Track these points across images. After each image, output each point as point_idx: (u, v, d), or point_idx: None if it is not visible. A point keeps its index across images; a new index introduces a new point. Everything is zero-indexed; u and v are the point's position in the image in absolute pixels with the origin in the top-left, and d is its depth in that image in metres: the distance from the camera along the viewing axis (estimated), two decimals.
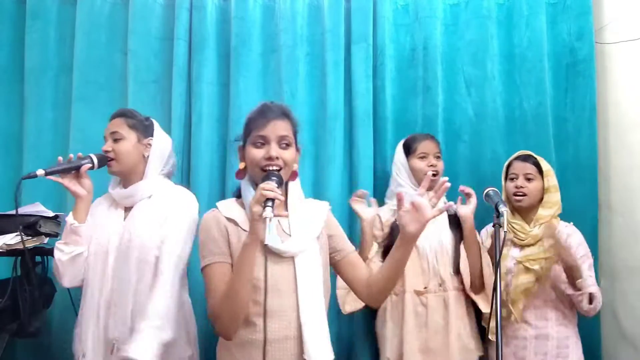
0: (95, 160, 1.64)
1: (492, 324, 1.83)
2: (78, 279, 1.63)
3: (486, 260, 1.94)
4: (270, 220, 1.21)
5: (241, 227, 1.40)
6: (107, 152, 1.66)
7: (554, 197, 1.96)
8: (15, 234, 1.77)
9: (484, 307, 1.89)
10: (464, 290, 1.93)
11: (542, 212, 1.95)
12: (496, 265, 1.52)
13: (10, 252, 1.73)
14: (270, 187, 1.25)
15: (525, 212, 1.99)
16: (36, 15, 2.29)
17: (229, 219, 1.41)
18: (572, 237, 1.93)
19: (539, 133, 2.26)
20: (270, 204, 1.23)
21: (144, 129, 1.74)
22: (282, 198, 1.29)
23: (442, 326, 1.88)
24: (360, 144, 2.24)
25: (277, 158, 1.37)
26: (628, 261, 2.11)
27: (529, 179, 1.95)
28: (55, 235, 1.88)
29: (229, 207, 1.46)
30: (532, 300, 1.90)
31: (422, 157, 2.00)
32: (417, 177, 2.00)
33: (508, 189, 2.00)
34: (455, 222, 1.97)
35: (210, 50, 2.29)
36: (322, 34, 2.31)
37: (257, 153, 1.39)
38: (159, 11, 2.33)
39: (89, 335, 1.58)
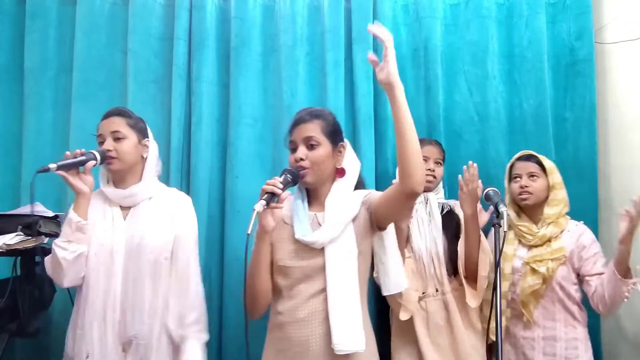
0: (99, 157, 1.63)
1: (493, 324, 1.86)
2: (77, 277, 1.61)
3: (484, 249, 1.90)
4: (255, 212, 1.30)
5: (283, 220, 1.52)
6: (108, 150, 1.65)
7: (560, 194, 1.94)
8: (15, 233, 1.77)
9: (472, 302, 1.89)
10: (460, 289, 1.92)
11: (549, 211, 1.92)
12: (496, 265, 1.52)
13: (10, 252, 1.73)
14: (272, 182, 1.35)
15: (531, 212, 1.97)
16: (36, 15, 2.29)
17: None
18: (583, 236, 1.92)
19: (539, 133, 2.26)
20: (265, 197, 1.34)
21: (142, 130, 1.75)
22: (280, 193, 1.35)
23: (444, 327, 1.88)
24: (361, 145, 2.24)
25: (302, 159, 1.47)
26: None
27: (532, 177, 1.94)
28: (56, 235, 1.87)
29: (286, 202, 1.50)
30: (541, 300, 1.89)
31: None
32: None
33: (512, 189, 1.99)
34: (449, 222, 1.97)
35: (210, 50, 2.29)
36: (322, 34, 2.31)
37: (290, 158, 1.51)
38: (159, 11, 2.32)
39: (94, 335, 1.58)
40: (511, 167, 2.02)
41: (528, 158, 1.98)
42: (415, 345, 1.87)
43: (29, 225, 1.78)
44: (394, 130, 1.39)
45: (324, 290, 1.42)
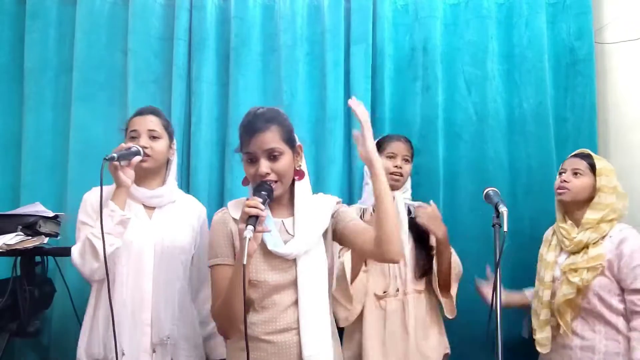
0: (142, 153, 1.61)
1: (540, 335, 1.85)
2: (104, 272, 1.48)
3: (455, 266, 1.93)
4: (248, 240, 1.20)
5: None
6: (145, 147, 1.63)
7: (607, 199, 1.79)
8: (15, 233, 1.77)
9: (449, 312, 1.90)
10: (427, 292, 1.94)
11: (590, 215, 1.80)
12: (496, 265, 1.51)
13: (10, 252, 1.73)
14: (253, 204, 1.25)
15: (575, 215, 1.85)
16: (36, 15, 2.29)
17: (236, 220, 1.40)
18: (625, 243, 1.75)
19: (539, 133, 2.26)
20: (251, 222, 1.23)
21: (171, 134, 1.76)
22: (264, 214, 1.26)
23: (399, 329, 1.87)
24: None
25: (267, 174, 1.37)
26: None
27: (576, 174, 1.83)
28: (55, 235, 1.88)
29: (238, 207, 1.42)
30: (579, 310, 1.79)
31: (390, 157, 1.98)
32: None
33: (555, 184, 1.89)
34: (415, 223, 1.94)
35: (210, 50, 2.29)
36: (322, 34, 2.31)
37: (250, 170, 1.40)
38: (159, 11, 2.32)
39: (125, 333, 1.55)
40: (564, 163, 1.93)
41: (581, 156, 1.88)
42: (361, 349, 1.87)
43: (29, 225, 1.78)
44: (374, 201, 1.39)
45: (297, 301, 1.39)
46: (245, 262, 1.20)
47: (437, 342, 1.93)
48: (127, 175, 1.58)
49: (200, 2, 2.29)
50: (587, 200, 1.83)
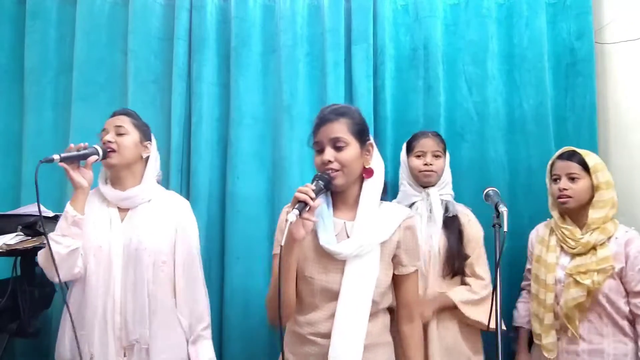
0: (101, 152, 1.62)
1: (546, 340, 1.82)
2: (70, 273, 1.58)
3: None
4: (288, 223, 1.23)
5: None
6: (109, 142, 1.64)
7: (606, 195, 1.78)
8: (16, 233, 1.77)
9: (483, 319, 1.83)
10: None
11: (594, 214, 1.77)
12: (496, 265, 1.51)
13: (10, 252, 1.73)
14: (304, 190, 1.27)
15: (575, 215, 1.83)
16: (36, 15, 2.29)
17: None
18: (631, 245, 1.75)
19: (539, 132, 2.26)
20: (299, 206, 1.25)
21: (145, 132, 1.76)
22: (312, 202, 1.27)
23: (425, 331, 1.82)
24: None
25: (330, 162, 1.38)
26: None
27: (572, 179, 1.80)
28: None
29: None
30: (587, 313, 1.76)
31: (418, 156, 1.98)
32: (413, 175, 1.99)
33: (553, 191, 1.86)
34: (452, 222, 1.93)
35: (210, 51, 2.29)
36: (322, 34, 2.31)
37: (317, 159, 1.43)
38: (159, 11, 2.32)
39: (95, 337, 1.57)
40: (552, 165, 1.90)
41: (569, 156, 1.84)
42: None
43: (29, 225, 1.78)
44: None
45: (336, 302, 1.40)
46: (283, 244, 1.22)
47: (469, 342, 1.88)
48: (86, 176, 1.59)
49: (200, 2, 2.29)
50: (588, 201, 1.82)
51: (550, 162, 1.92)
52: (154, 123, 2.23)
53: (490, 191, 1.71)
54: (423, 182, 1.97)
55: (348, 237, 1.42)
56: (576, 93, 2.29)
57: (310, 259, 1.42)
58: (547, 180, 1.92)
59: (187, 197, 2.16)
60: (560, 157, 1.87)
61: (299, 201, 1.26)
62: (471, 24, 2.34)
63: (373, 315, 1.42)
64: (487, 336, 1.94)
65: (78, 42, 2.26)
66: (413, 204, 1.97)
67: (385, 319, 1.51)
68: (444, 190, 1.99)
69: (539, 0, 2.30)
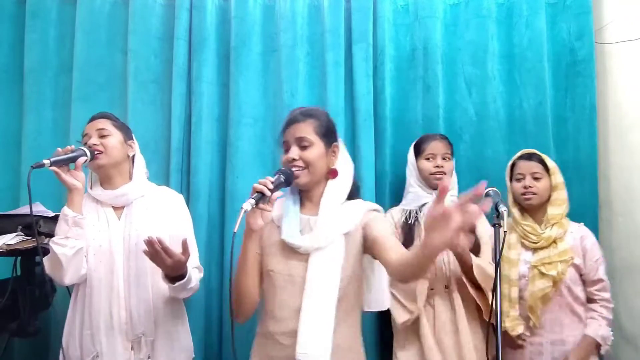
0: (89, 154, 1.62)
1: (515, 333, 1.86)
2: (77, 275, 1.59)
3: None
4: (243, 211, 1.28)
5: (275, 223, 1.50)
6: (95, 145, 1.65)
7: (562, 195, 1.94)
8: (16, 233, 1.77)
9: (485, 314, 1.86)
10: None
11: (553, 211, 1.92)
12: (496, 265, 1.52)
13: (10, 252, 1.73)
14: (263, 182, 1.33)
15: (535, 212, 1.96)
16: (36, 15, 2.29)
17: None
18: (586, 239, 1.93)
19: (539, 133, 2.26)
20: (255, 197, 1.31)
21: (127, 132, 1.76)
22: (268, 193, 1.32)
23: (450, 328, 1.85)
24: (361, 144, 2.24)
25: (294, 160, 1.44)
26: (628, 261, 2.11)
27: (536, 178, 1.93)
28: None
29: (278, 202, 1.48)
30: (548, 304, 1.86)
31: (428, 158, 2.00)
32: (424, 177, 2.01)
33: (515, 189, 1.97)
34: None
35: (210, 50, 2.29)
36: (322, 34, 2.31)
37: (283, 157, 1.48)
38: (159, 11, 2.32)
39: (101, 335, 1.58)
40: (513, 165, 2.01)
41: (530, 157, 1.97)
42: (418, 345, 1.85)
43: (29, 225, 1.77)
44: (418, 252, 1.20)
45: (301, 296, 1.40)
46: (235, 231, 1.26)
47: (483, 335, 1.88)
48: (78, 178, 1.59)
49: (200, 2, 2.29)
50: (547, 199, 1.95)
51: (510, 163, 2.02)
52: (154, 123, 2.25)
53: (490, 191, 1.72)
54: (433, 184, 1.99)
55: (311, 229, 1.46)
56: (576, 93, 2.29)
57: (273, 254, 1.46)
58: (507, 180, 2.02)
59: (187, 196, 2.16)
60: (523, 157, 1.99)
61: (256, 192, 1.32)
62: (471, 24, 2.34)
63: (343, 316, 1.41)
64: None
65: (78, 41, 2.26)
66: (423, 205, 1.98)
67: (356, 325, 1.49)
68: (452, 192, 2.02)
69: (539, 0, 2.30)
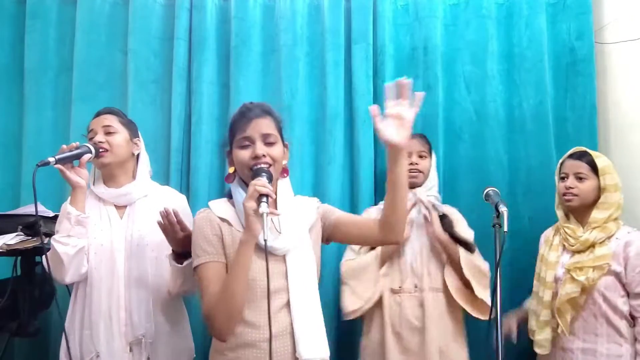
0: (94, 150, 1.61)
1: (539, 336, 1.84)
2: (78, 273, 1.58)
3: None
4: (266, 215, 1.21)
5: (235, 228, 1.39)
6: (100, 142, 1.64)
7: (612, 198, 1.80)
8: (16, 233, 1.77)
9: (479, 314, 1.87)
10: (445, 291, 1.89)
11: (596, 215, 1.80)
12: (496, 265, 1.51)
13: (11, 252, 1.73)
14: (262, 183, 1.26)
15: (580, 214, 1.85)
16: (36, 15, 2.29)
17: (222, 219, 1.40)
18: (632, 246, 1.75)
19: (538, 132, 2.26)
20: (264, 199, 1.24)
21: (133, 130, 1.75)
22: (274, 195, 1.28)
23: (416, 327, 1.85)
24: (360, 144, 2.24)
25: (264, 156, 1.35)
26: None
27: (580, 179, 1.82)
28: None
29: (221, 207, 1.43)
30: (581, 311, 1.77)
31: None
32: None
33: (558, 189, 1.89)
34: (443, 221, 1.94)
35: (210, 50, 2.29)
36: (322, 33, 2.31)
37: (244, 154, 1.37)
38: (159, 11, 2.32)
39: (100, 335, 1.57)
40: (562, 164, 1.91)
41: (579, 156, 1.85)
42: (381, 345, 1.86)
43: (29, 225, 1.78)
44: (388, 186, 1.35)
45: (288, 303, 1.35)
46: (266, 238, 1.20)
47: (460, 341, 1.90)
48: (82, 175, 1.58)
49: (200, 2, 2.29)
50: (594, 202, 1.82)
51: (560, 161, 1.93)
52: (154, 123, 2.25)
53: (490, 191, 1.72)
54: (410, 182, 1.97)
55: (276, 230, 1.38)
56: (576, 93, 2.29)
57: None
58: (556, 179, 1.93)
59: (187, 196, 2.15)
60: (571, 156, 1.89)
61: (262, 194, 1.24)
62: (471, 24, 2.34)
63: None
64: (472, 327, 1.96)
65: (78, 42, 2.26)
66: None
67: None
68: (430, 191, 2.01)
69: (538, 0, 2.30)
